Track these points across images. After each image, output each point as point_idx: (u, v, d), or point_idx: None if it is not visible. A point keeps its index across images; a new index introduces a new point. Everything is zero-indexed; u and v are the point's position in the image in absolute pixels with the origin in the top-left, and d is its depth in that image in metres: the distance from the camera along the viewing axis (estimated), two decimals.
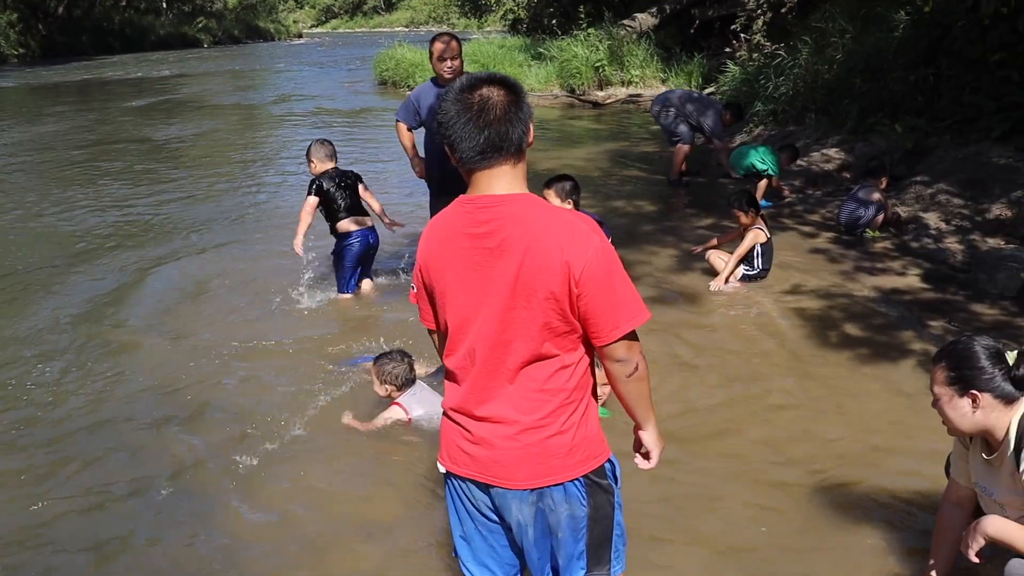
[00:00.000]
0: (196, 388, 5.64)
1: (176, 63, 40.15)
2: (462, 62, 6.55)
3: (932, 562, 3.44)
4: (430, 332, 2.77)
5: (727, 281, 7.24)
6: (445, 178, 6.43)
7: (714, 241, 7.73)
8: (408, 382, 5.08)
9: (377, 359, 5.14)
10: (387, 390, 5.07)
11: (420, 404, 5.03)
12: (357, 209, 7.03)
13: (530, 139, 2.51)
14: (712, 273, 7.42)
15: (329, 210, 6.96)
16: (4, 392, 5.63)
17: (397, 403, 5.05)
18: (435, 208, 6.60)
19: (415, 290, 2.70)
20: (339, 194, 6.92)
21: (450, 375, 2.63)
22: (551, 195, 5.93)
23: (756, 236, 7.24)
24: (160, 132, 17.65)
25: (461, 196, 2.56)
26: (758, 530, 4.02)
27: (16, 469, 4.69)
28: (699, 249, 7.70)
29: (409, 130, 6.96)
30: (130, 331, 6.67)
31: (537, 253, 2.38)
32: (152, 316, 6.99)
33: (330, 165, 6.99)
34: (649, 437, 2.71)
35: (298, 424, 5.08)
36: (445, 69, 6.44)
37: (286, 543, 4.04)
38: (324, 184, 6.89)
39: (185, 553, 3.99)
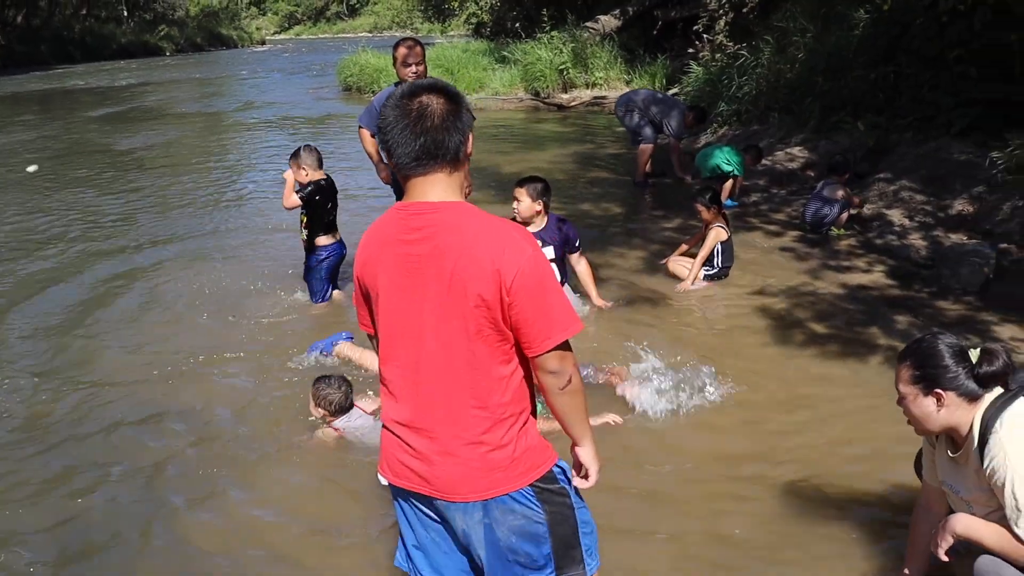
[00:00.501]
0: (161, 396, 5.58)
1: (139, 71, 39.78)
2: (426, 67, 6.54)
3: (907, 566, 3.45)
4: (370, 337, 2.73)
5: (693, 283, 7.26)
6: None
7: (684, 247, 7.74)
8: (342, 409, 4.99)
9: (316, 381, 5.07)
10: (320, 412, 4.99)
11: (353, 432, 4.97)
12: (334, 224, 6.99)
13: (468, 149, 2.51)
14: (677, 277, 7.44)
15: (313, 222, 6.87)
16: None
17: (332, 426, 4.99)
18: None
19: (354, 292, 2.70)
20: (328, 209, 6.89)
21: (386, 384, 2.60)
22: (523, 194, 5.94)
23: (717, 235, 7.28)
24: (124, 141, 17.45)
25: (397, 203, 2.57)
26: (726, 530, 4.03)
27: None
28: (669, 260, 7.68)
29: (372, 136, 6.93)
30: (93, 340, 6.60)
31: (469, 260, 2.37)
32: (116, 324, 6.92)
33: (320, 174, 6.89)
34: (586, 454, 2.67)
35: (269, 430, 5.07)
36: (408, 74, 6.42)
37: (246, 549, 4.03)
38: (318, 196, 6.80)
39: (140, 558, 3.98)
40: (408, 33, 57.22)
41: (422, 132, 2.41)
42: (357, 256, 2.62)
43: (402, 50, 6.50)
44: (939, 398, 3.02)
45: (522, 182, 6.01)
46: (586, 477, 2.71)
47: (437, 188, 2.46)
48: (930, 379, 3.04)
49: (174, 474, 4.71)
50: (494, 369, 2.47)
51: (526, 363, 2.54)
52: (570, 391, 2.52)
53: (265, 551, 4.04)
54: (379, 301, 2.53)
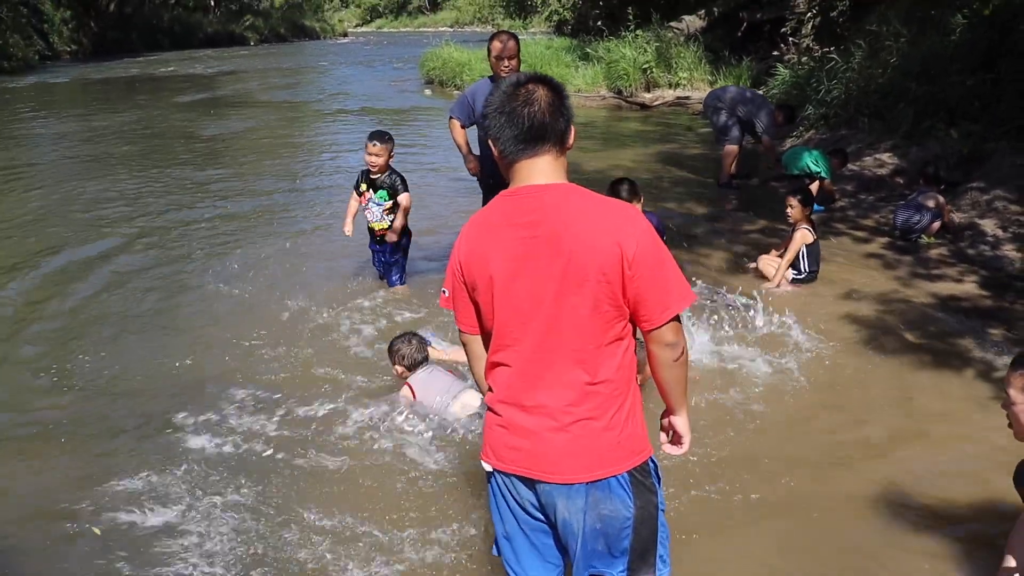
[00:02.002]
0: (236, 378, 5.69)
1: (224, 60, 40.50)
2: (519, 62, 6.54)
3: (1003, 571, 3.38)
4: (462, 336, 2.75)
5: (779, 285, 7.19)
6: (498, 178, 6.45)
7: (773, 252, 7.66)
8: (416, 363, 5.20)
9: (391, 341, 5.33)
10: (398, 370, 5.23)
11: (427, 385, 5.11)
12: None
13: (571, 140, 2.56)
14: (764, 277, 7.37)
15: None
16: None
17: (407, 383, 5.16)
18: None
19: (447, 294, 2.71)
20: None
21: (498, 369, 2.63)
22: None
23: (804, 236, 7.21)
24: (211, 127, 17.82)
25: (503, 191, 2.60)
26: (811, 538, 3.99)
27: None
28: (758, 260, 7.62)
29: (462, 127, 6.95)
30: (172, 318, 6.82)
31: (587, 237, 2.41)
32: (194, 304, 7.13)
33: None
34: (682, 423, 2.74)
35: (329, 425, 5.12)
36: (502, 69, 6.43)
37: (337, 535, 4.07)
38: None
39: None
40: (490, 29, 57.44)
41: (530, 116, 2.48)
42: (459, 247, 2.63)
43: (497, 44, 6.50)
44: None
45: (615, 186, 6.02)
46: (678, 444, 2.77)
47: (545, 171, 2.51)
48: None
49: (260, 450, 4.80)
50: (608, 345, 2.50)
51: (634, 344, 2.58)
52: (682, 362, 2.57)
53: (358, 539, 4.08)
54: (493, 287, 2.54)
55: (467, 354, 2.78)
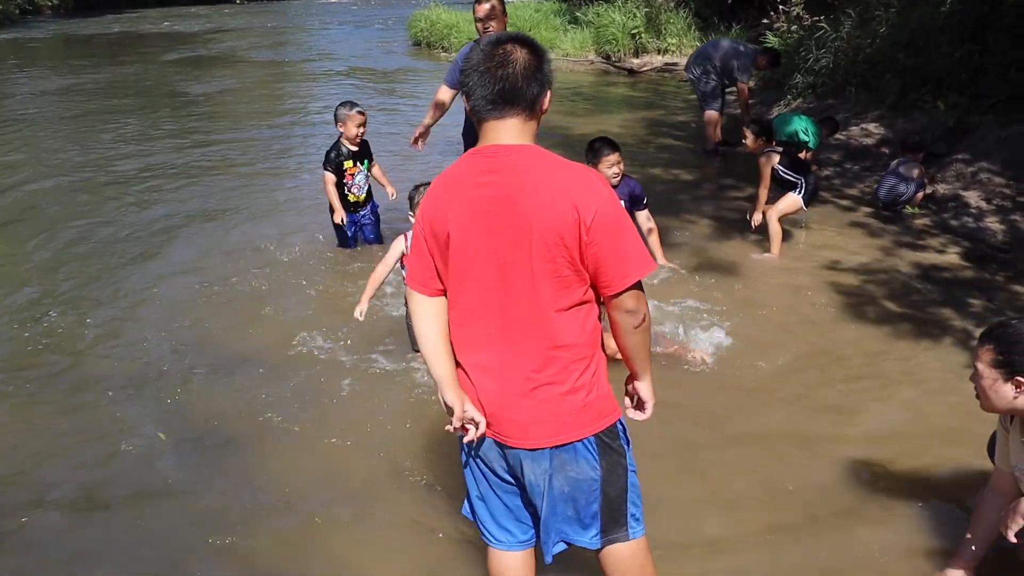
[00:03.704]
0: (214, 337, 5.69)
1: (210, 18, 40.01)
2: (505, 25, 6.48)
3: (967, 543, 3.42)
4: (408, 292, 2.71)
5: (759, 216, 7.30)
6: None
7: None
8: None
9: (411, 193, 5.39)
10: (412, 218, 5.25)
11: None
12: None
13: (545, 104, 2.54)
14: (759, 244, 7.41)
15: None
16: None
17: (404, 234, 5.21)
18: None
19: (411, 249, 2.71)
20: None
21: (460, 331, 2.62)
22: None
23: (769, 160, 7.21)
24: (197, 86, 17.67)
25: (470, 149, 2.59)
26: (780, 503, 4.02)
27: None
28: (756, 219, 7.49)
29: (452, 88, 6.84)
30: (152, 281, 6.80)
31: (546, 199, 2.40)
32: (179, 265, 7.12)
33: None
34: (645, 388, 2.75)
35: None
36: (486, 32, 6.40)
37: (311, 483, 4.11)
38: None
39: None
40: None
41: (502, 78, 2.46)
42: (425, 201, 2.62)
43: (481, 7, 6.44)
44: (1019, 385, 2.99)
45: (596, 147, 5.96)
46: (641, 408, 2.78)
47: (511, 132, 2.50)
48: (1013, 366, 3.00)
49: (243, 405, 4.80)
50: (569, 310, 2.50)
51: (598, 304, 2.59)
52: (643, 329, 2.57)
53: (327, 487, 4.15)
54: (451, 243, 2.53)
55: (411, 311, 2.73)
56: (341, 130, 6.95)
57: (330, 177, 6.96)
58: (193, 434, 4.63)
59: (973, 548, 3.39)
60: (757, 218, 7.31)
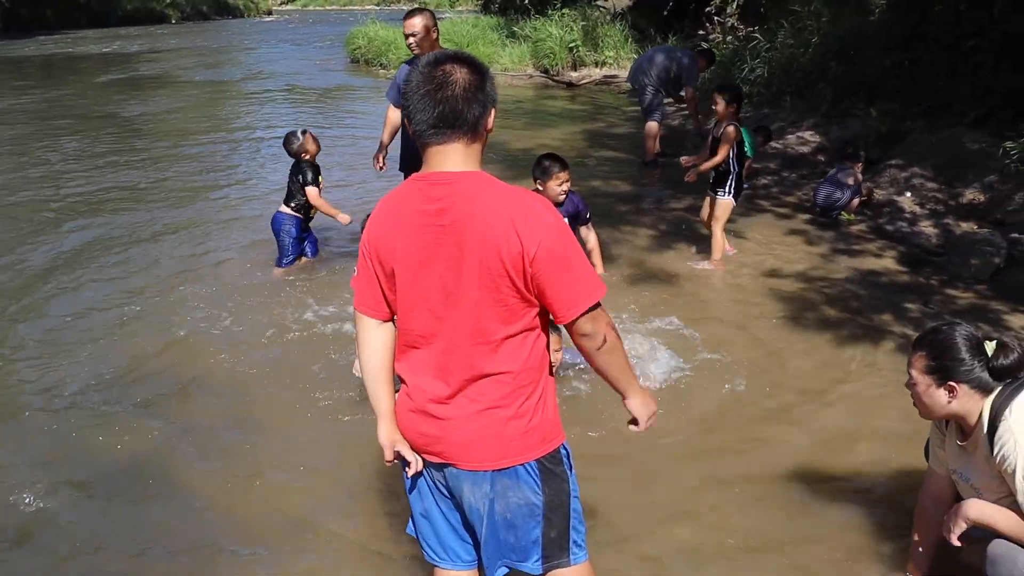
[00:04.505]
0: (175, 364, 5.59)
1: (144, 39, 39.54)
2: (428, 38, 6.45)
3: (915, 550, 3.45)
4: (356, 316, 2.67)
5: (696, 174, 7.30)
6: (414, 155, 6.47)
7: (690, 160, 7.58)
8: None
9: None
10: None
11: None
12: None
13: (489, 125, 2.49)
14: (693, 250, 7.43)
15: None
16: None
17: None
18: None
19: (356, 273, 2.65)
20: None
21: (407, 355, 2.59)
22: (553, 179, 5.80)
23: (735, 132, 7.06)
24: (130, 107, 17.41)
25: (414, 174, 2.54)
26: (733, 519, 4.00)
27: None
28: (690, 171, 7.43)
29: (397, 106, 6.82)
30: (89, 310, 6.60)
31: (490, 230, 2.36)
32: (112, 290, 6.92)
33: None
34: (635, 404, 2.68)
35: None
36: (410, 47, 6.53)
37: (256, 510, 4.03)
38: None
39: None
40: (417, 6, 56.88)
41: (442, 100, 2.39)
42: (368, 228, 2.58)
43: (408, 22, 6.50)
44: (952, 390, 3.03)
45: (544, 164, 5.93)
46: (636, 423, 2.72)
47: (455, 158, 2.44)
48: (945, 371, 3.03)
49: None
50: (515, 336, 2.47)
51: (547, 328, 2.56)
52: (607, 350, 2.53)
53: (271, 512, 4.08)
54: (396, 273, 2.50)
55: (357, 333, 2.69)
56: (307, 150, 7.20)
57: (316, 191, 7.19)
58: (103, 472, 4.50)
59: (921, 551, 3.42)
60: (692, 175, 7.29)
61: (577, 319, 2.43)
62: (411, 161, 6.59)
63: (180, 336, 6.00)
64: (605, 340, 2.51)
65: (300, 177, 7.13)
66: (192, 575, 3.68)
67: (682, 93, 11.38)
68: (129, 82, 22.34)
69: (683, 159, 7.52)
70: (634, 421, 2.72)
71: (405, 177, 6.83)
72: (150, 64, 27.43)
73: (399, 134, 6.81)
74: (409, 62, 6.65)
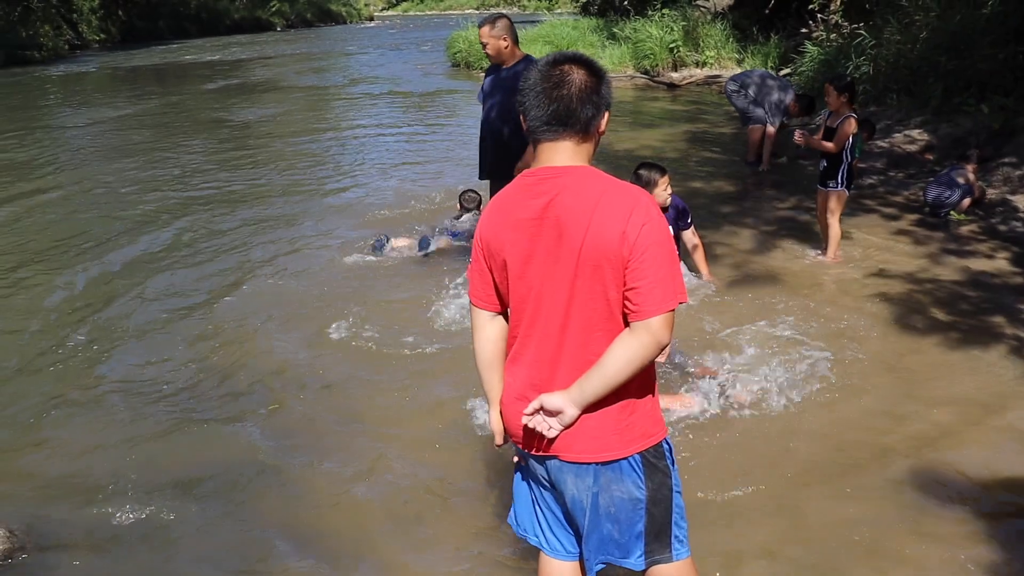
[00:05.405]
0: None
1: (251, 46, 40.62)
2: (503, 43, 6.37)
3: None
4: (471, 307, 2.73)
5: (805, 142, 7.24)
6: (493, 161, 6.69)
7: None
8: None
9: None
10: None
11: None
12: None
13: (602, 126, 2.54)
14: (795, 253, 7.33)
15: None
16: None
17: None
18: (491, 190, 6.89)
19: (471, 263, 2.72)
20: None
21: (517, 348, 2.64)
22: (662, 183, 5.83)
23: (850, 125, 6.94)
24: (240, 113, 17.93)
25: (525, 170, 2.60)
26: (830, 517, 3.97)
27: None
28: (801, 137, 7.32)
29: None
30: (214, 292, 6.81)
31: (594, 218, 2.40)
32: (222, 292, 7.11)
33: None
34: (555, 398, 2.53)
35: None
36: (486, 54, 6.54)
37: (357, 496, 4.13)
38: None
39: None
40: (516, 10, 57.22)
41: (557, 99, 2.46)
42: (483, 223, 2.65)
43: (480, 31, 6.52)
44: None
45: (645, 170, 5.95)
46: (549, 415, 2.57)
47: (564, 154, 2.51)
48: None
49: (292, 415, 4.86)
50: (619, 330, 2.48)
51: None
52: (641, 358, 2.43)
53: (378, 499, 4.18)
54: (507, 266, 2.56)
55: (472, 324, 2.76)
56: None
57: None
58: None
59: None
60: (801, 138, 7.24)
61: (650, 319, 2.39)
62: (495, 167, 6.64)
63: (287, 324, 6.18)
64: (655, 350, 2.44)
65: None
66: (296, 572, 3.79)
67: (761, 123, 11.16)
68: (237, 88, 22.99)
69: (797, 133, 7.37)
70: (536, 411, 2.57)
71: (490, 170, 6.91)
72: (257, 71, 28.18)
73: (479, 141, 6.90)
74: (490, 71, 6.72)
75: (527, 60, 6.34)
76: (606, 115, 2.54)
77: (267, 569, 3.76)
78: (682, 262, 6.35)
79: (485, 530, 3.94)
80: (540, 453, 2.62)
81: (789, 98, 10.73)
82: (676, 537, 2.70)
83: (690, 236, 6.46)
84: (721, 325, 5.98)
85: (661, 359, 4.57)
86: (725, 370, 5.25)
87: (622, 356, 2.44)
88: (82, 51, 37.94)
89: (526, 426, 2.59)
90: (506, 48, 6.40)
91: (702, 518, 3.74)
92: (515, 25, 6.59)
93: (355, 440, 4.76)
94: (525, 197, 2.52)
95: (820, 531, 3.88)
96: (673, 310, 2.42)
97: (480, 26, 6.51)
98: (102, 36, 41.95)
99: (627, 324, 2.46)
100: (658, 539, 2.67)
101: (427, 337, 5.94)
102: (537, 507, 2.82)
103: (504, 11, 59.37)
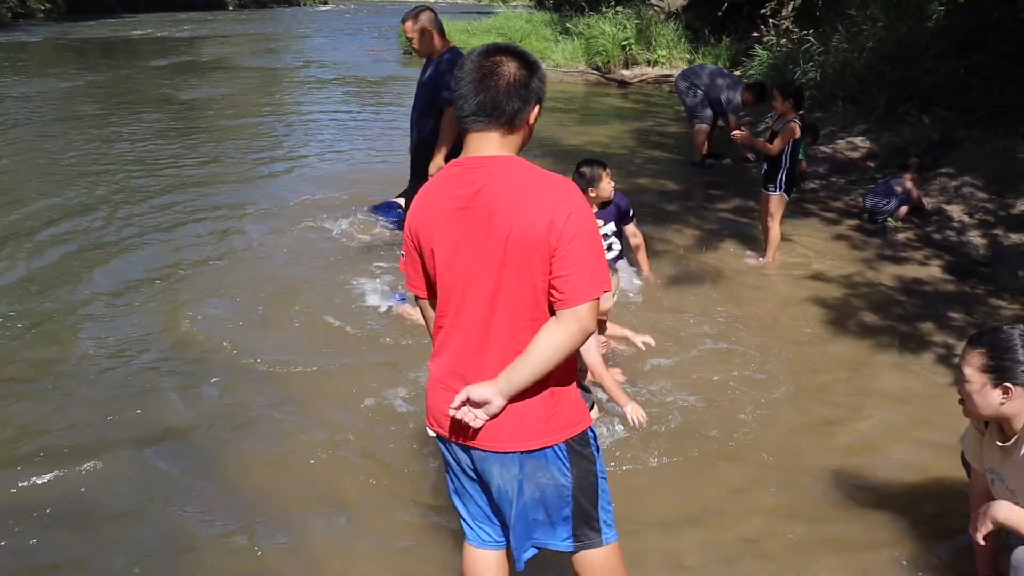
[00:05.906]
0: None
1: (201, 24, 40.08)
2: (421, 38, 6.34)
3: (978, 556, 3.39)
4: (417, 300, 2.77)
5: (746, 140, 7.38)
6: (413, 156, 6.78)
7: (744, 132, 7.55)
8: None
9: None
10: None
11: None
12: None
13: (530, 119, 2.55)
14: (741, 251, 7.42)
15: None
16: None
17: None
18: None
19: (404, 256, 2.73)
20: None
21: (441, 336, 2.65)
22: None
23: (792, 130, 6.99)
24: (186, 91, 17.67)
25: (452, 160, 2.62)
26: (762, 521, 4.00)
27: None
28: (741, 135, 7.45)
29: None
30: (165, 285, 6.71)
31: (521, 208, 2.41)
32: (154, 273, 7.01)
33: None
34: (482, 388, 2.52)
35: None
36: (412, 48, 6.54)
37: (297, 486, 4.11)
38: None
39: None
40: (472, 1, 56.94)
41: (484, 90, 2.47)
42: (411, 212, 2.65)
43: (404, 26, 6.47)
44: (1007, 391, 2.98)
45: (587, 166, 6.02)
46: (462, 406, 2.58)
47: (491, 145, 2.52)
48: (1003, 371, 2.99)
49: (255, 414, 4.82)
50: (545, 319, 2.49)
51: None
52: (565, 348, 2.46)
53: (316, 489, 4.15)
54: (435, 256, 2.56)
55: (421, 313, 2.80)
56: None
57: None
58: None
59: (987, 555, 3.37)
60: (739, 136, 7.38)
61: (574, 307, 2.41)
62: (414, 163, 6.70)
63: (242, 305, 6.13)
64: (579, 338, 2.46)
65: None
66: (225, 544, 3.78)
67: (720, 123, 11.28)
68: (185, 66, 22.65)
69: (735, 133, 7.47)
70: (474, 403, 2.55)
71: (411, 162, 6.87)
72: (207, 49, 27.78)
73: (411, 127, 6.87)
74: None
75: (452, 52, 6.32)
76: (536, 108, 2.55)
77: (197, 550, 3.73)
78: (623, 258, 6.43)
79: (419, 508, 3.95)
80: (464, 443, 2.63)
81: (738, 98, 10.82)
82: (604, 521, 2.73)
83: (632, 231, 6.51)
84: (656, 321, 6.02)
85: (603, 350, 4.58)
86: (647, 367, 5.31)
87: (549, 345, 2.45)
88: (25, 20, 37.15)
89: (448, 415, 2.60)
90: (431, 41, 6.35)
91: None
92: (467, 16, 6.64)
93: (285, 421, 4.74)
94: (452, 187, 2.53)
95: (733, 526, 3.93)
96: (599, 298, 2.44)
97: (403, 22, 6.44)
98: (47, 6, 41.18)
99: (553, 313, 2.48)
100: (586, 523, 2.70)
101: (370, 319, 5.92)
102: (458, 497, 2.84)
103: (459, 0, 59.12)
